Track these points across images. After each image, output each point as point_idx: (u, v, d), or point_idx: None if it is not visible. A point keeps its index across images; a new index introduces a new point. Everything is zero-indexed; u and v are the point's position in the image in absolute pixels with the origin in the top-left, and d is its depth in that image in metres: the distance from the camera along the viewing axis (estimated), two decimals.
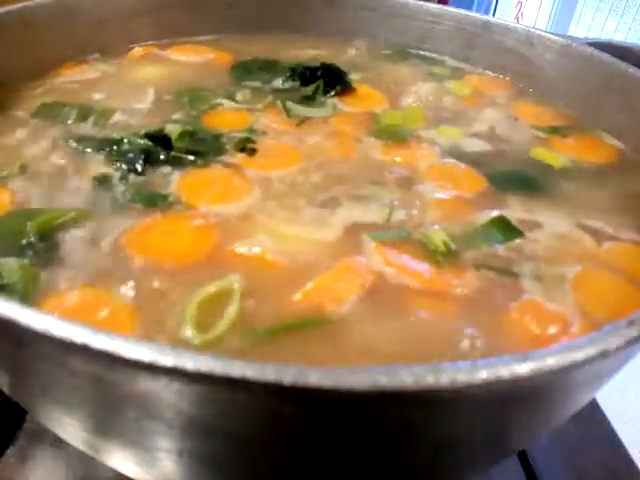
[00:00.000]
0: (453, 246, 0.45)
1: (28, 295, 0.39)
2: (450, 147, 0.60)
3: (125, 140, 0.54)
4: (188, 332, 0.37)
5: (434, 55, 0.83)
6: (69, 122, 0.59)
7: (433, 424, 0.30)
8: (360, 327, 0.38)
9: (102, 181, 0.50)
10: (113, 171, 0.52)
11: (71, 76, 0.68)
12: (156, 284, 0.40)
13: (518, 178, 0.56)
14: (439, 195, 0.52)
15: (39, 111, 0.61)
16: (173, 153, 0.54)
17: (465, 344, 0.38)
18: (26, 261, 0.41)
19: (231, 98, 0.66)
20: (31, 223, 0.44)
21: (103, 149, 0.54)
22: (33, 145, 0.55)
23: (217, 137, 0.58)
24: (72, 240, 0.43)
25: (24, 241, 0.43)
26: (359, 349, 0.37)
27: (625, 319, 0.30)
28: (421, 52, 0.86)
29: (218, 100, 0.65)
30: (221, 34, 0.82)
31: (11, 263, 0.40)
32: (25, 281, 0.39)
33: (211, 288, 0.40)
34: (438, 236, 0.46)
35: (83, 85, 0.67)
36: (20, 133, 0.57)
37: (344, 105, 0.67)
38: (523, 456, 0.61)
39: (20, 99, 0.62)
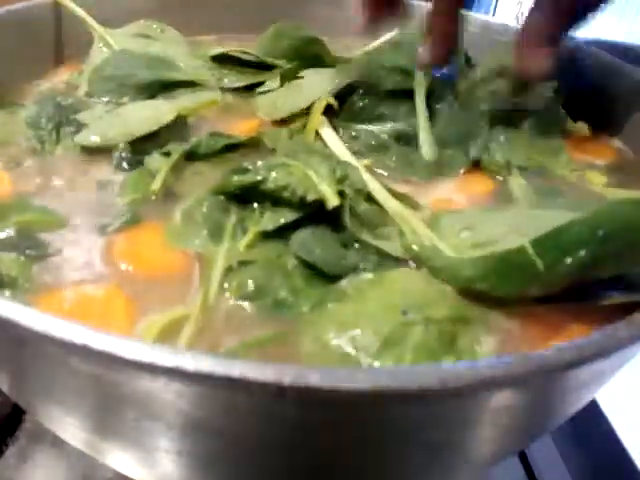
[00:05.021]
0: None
1: (27, 291, 0.38)
2: None
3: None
4: None
5: None
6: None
7: (433, 424, 0.30)
8: None
9: (102, 183, 0.50)
10: (112, 173, 0.51)
11: (71, 76, 0.68)
12: (146, 290, 0.39)
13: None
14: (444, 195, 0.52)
15: None
16: None
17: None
18: (14, 255, 0.40)
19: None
20: (20, 219, 0.43)
21: (103, 150, 0.54)
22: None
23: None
24: (70, 239, 0.43)
25: (16, 237, 0.42)
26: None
27: (625, 319, 0.30)
28: None
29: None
30: (221, 34, 0.82)
31: (8, 258, 0.40)
32: (24, 276, 0.39)
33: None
34: None
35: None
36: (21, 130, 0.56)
37: None
38: (523, 456, 0.62)
39: (20, 99, 0.62)
